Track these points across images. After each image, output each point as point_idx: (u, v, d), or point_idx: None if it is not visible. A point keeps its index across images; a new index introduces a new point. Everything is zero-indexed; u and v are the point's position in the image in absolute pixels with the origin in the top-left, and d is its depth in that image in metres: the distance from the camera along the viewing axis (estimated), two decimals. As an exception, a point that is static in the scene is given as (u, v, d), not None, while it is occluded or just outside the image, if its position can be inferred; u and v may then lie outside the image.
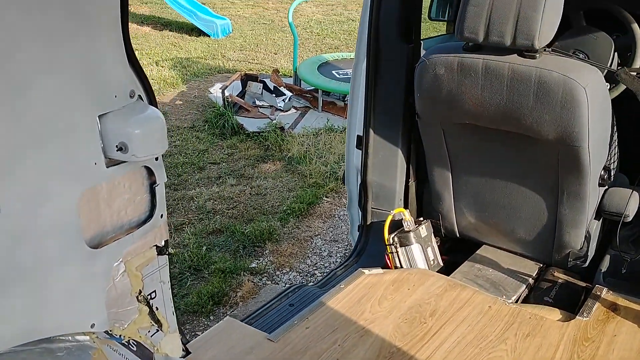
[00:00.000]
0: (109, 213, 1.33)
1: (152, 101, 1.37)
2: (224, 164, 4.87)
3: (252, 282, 3.31)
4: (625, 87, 2.21)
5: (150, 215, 1.45)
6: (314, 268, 3.52)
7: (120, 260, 1.37)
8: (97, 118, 1.24)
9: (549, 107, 1.93)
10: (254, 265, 3.49)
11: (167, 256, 1.53)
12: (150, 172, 1.41)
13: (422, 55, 2.22)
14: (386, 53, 2.41)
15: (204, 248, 3.60)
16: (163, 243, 1.50)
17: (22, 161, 1.11)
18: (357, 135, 2.60)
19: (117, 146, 1.26)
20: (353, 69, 2.59)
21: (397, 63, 2.41)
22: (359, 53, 2.50)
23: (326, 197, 4.34)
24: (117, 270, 1.37)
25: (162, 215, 1.47)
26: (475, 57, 2.02)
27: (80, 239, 1.26)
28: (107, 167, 1.28)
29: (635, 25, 2.51)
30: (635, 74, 2.13)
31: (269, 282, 3.35)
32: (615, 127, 2.23)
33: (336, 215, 4.11)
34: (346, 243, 3.75)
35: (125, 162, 1.31)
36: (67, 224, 1.22)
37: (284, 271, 3.47)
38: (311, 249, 3.71)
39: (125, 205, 1.38)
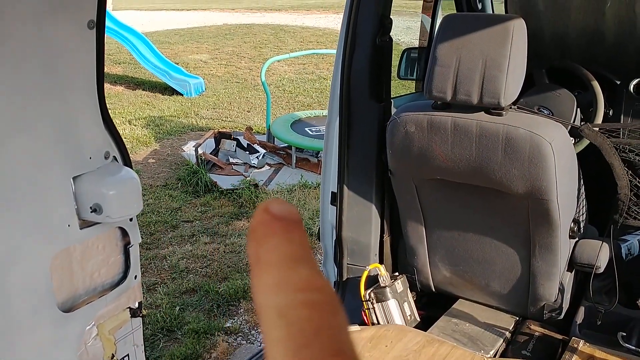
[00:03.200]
0: (82, 275, 1.31)
1: (127, 162, 1.37)
2: (197, 222, 4.83)
3: (227, 342, 3.24)
4: (590, 141, 2.29)
5: (124, 277, 1.43)
6: (290, 326, 3.45)
7: (93, 323, 1.34)
8: (71, 179, 1.23)
9: (517, 162, 1.98)
10: (228, 324, 3.42)
11: (140, 318, 1.50)
12: (124, 232, 1.40)
13: (392, 114, 2.28)
14: (358, 111, 2.46)
15: (177, 308, 3.53)
16: (137, 305, 1.47)
17: (-6, 222, 1.09)
18: (332, 192, 2.62)
19: (91, 208, 1.25)
20: (326, 127, 2.64)
21: (369, 121, 2.46)
22: (332, 111, 2.55)
23: (301, 253, 4.31)
24: (90, 334, 1.34)
25: (136, 277, 1.46)
26: (444, 115, 2.08)
27: (52, 301, 1.23)
28: (81, 228, 1.27)
29: (595, 83, 2.63)
30: (597, 129, 2.21)
31: (244, 342, 3.28)
32: (582, 180, 2.29)
33: (311, 272, 4.07)
34: (322, 300, 3.70)
35: (99, 223, 1.30)
36: (38, 286, 1.20)
37: (260, 330, 3.40)
38: (287, 307, 3.65)
39: (99, 266, 1.36)
